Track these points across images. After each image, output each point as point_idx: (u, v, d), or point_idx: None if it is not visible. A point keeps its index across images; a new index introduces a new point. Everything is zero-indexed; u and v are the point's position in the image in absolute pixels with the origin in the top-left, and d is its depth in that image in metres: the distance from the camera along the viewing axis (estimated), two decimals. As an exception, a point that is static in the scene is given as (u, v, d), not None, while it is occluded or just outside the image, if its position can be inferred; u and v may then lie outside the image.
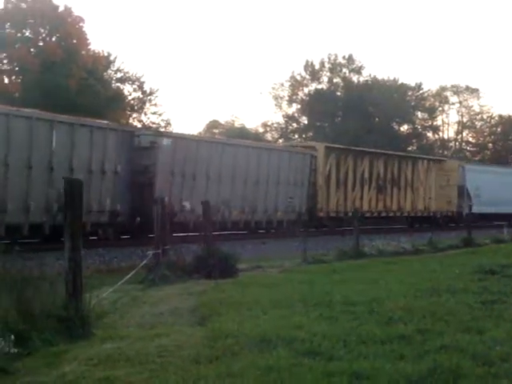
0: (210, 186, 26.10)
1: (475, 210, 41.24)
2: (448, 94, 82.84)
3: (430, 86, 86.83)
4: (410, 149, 73.04)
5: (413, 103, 79.16)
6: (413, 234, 26.89)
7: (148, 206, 22.56)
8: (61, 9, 47.52)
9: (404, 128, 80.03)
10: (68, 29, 46.60)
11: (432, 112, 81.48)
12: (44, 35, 47.21)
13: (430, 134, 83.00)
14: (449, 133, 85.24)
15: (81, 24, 48.48)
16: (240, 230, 27.57)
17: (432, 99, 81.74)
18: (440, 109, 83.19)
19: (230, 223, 27.09)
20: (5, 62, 46.31)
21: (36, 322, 6.76)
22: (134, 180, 23.63)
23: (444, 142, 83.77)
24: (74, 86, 43.54)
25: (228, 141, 30.73)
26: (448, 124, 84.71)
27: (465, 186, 42.64)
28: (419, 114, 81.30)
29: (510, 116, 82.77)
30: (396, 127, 78.25)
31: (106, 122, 24.01)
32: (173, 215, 23.08)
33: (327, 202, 33.31)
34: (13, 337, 6.26)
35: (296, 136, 73.11)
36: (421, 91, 79.67)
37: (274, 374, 5.41)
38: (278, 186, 29.82)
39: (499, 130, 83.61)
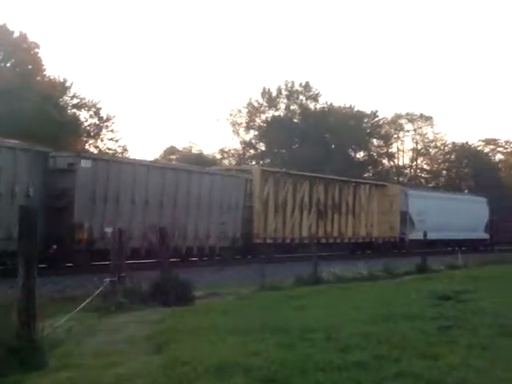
0: (136, 210, 24.76)
1: (419, 236, 40.38)
2: (403, 121, 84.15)
3: (385, 113, 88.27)
4: (366, 175, 73.80)
5: (368, 130, 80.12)
6: (369, 261, 27.07)
7: (66, 232, 22.18)
8: (16, 35, 47.17)
9: (360, 155, 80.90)
10: (23, 55, 46.22)
11: (387, 139, 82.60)
12: (-2, 61, 46.73)
13: (385, 161, 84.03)
14: (404, 160, 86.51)
15: (36, 50, 48.16)
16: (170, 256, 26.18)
17: (387, 126, 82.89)
18: (395, 136, 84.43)
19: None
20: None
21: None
22: (49, 205, 21.70)
23: (399, 169, 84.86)
24: (29, 111, 43.04)
25: (155, 163, 29.13)
26: (403, 151, 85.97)
27: (407, 212, 42.19)
28: (375, 141, 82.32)
29: (463, 144, 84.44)
30: (352, 154, 79.03)
31: (16, 141, 22.38)
32: (91, 242, 22.90)
33: (265, 228, 32.29)
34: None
35: (253, 162, 73.32)
36: (376, 118, 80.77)
37: (231, 403, 5.38)
38: (210, 211, 28.48)
39: (453, 157, 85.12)
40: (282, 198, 33.54)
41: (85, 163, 23.21)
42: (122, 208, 24.25)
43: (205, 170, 32.03)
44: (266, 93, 77.15)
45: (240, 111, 78.35)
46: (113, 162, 24.96)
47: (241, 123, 78.63)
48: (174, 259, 23.94)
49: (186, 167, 30.92)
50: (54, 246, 22.08)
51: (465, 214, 46.89)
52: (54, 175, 22.42)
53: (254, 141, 78.37)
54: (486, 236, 51.94)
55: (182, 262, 25.57)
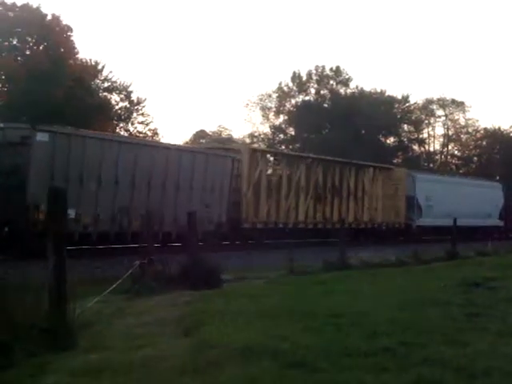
0: (103, 191, 22.37)
1: (426, 222, 39.99)
2: (434, 107, 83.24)
3: (416, 98, 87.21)
4: (396, 161, 73.33)
5: (399, 116, 79.51)
6: (397, 246, 26.94)
7: (18, 213, 20.00)
8: (49, 18, 47.49)
9: (390, 140, 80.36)
10: (56, 38, 46.54)
11: (418, 125, 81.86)
12: (31, 44, 47.12)
13: (415, 147, 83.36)
14: (435, 146, 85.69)
15: (69, 33, 48.48)
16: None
17: (418, 112, 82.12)
18: (426, 121, 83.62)
19: (130, 235, 22.76)
20: (-9, 70, 46.21)
21: (19, 332, 6.67)
22: None
23: (430, 155, 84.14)
24: (61, 95, 43.44)
25: (126, 139, 26.04)
26: (434, 137, 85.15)
27: (415, 197, 40.22)
28: (405, 127, 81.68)
29: (495, 129, 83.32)
30: (382, 139, 78.54)
31: None
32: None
33: (256, 212, 30.33)
34: (-5, 347, 6.19)
35: (283, 147, 73.21)
36: (407, 104, 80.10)
37: (258, 386, 5.42)
38: (191, 193, 25.84)
39: (484, 143, 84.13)
40: (275, 180, 32.13)
41: (41, 136, 20.81)
42: (87, 188, 21.89)
43: (185, 147, 30.06)
44: (296, 77, 76.90)
45: (270, 96, 78.31)
46: (75, 136, 22.03)
47: (271, 108, 78.59)
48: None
49: (163, 144, 28.72)
50: (6, 229, 20.40)
51: (478, 200, 44.91)
52: (6, 149, 20.36)
53: (283, 125, 78.26)
54: (501, 223, 49.71)
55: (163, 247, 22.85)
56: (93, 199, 21.97)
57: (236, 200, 28.67)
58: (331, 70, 76.88)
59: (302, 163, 34.04)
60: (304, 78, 76.98)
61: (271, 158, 33.34)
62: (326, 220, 34.48)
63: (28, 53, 46.50)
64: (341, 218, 32.75)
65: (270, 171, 32.40)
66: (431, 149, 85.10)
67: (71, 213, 20.21)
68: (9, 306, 6.92)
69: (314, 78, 77.24)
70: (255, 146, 37.75)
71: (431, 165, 79.92)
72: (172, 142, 30.49)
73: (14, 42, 46.59)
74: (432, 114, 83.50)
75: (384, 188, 38.94)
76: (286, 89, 77.51)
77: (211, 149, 30.63)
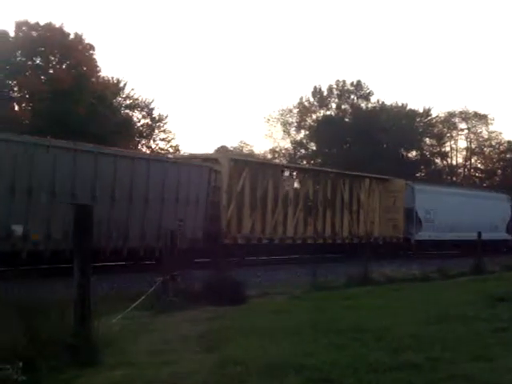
0: (56, 205, 19.86)
1: (426, 236, 37.70)
2: (456, 120, 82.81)
3: (438, 111, 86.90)
4: (418, 175, 73.03)
5: (421, 129, 79.23)
6: (423, 261, 26.66)
7: None
8: (71, 37, 48.06)
9: (412, 154, 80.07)
10: (78, 56, 47.09)
11: (440, 138, 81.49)
12: (54, 63, 47.68)
13: (438, 161, 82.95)
14: (457, 159, 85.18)
15: (91, 51, 49.02)
16: (107, 260, 20.76)
17: (440, 125, 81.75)
18: (448, 135, 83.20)
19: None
20: (15, 89, 46.76)
21: (44, 349, 6.73)
22: None
23: (453, 168, 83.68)
24: (84, 112, 43.86)
25: (84, 147, 22.37)
26: (456, 150, 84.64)
27: (414, 209, 37.70)
28: (427, 140, 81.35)
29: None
30: (404, 153, 78.28)
31: None
32: None
33: (238, 227, 28.11)
34: (21, 364, 6.23)
35: (304, 162, 73.22)
36: (429, 117, 79.80)
37: (283, 402, 5.39)
38: (162, 206, 23.56)
39: (508, 156, 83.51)
40: (261, 192, 29.43)
41: None
42: (36, 201, 19.69)
43: (155, 157, 26.93)
44: (317, 92, 77.03)
45: (291, 111, 78.45)
46: (24, 144, 19.73)
47: (292, 123, 78.68)
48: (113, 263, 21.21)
49: (127, 153, 25.26)
50: None
51: (483, 213, 42.14)
52: None
53: (304, 140, 78.30)
54: (508, 237, 46.50)
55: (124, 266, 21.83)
56: (45, 214, 19.75)
57: (215, 214, 26.37)
58: (352, 84, 76.99)
59: (293, 174, 32.64)
60: (325, 93, 77.12)
61: (255, 169, 30.36)
62: (318, 235, 32.42)
63: (51, 71, 47.04)
64: (367, 232, 32.72)
65: (252, 183, 29.46)
66: (454, 162, 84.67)
67: (17, 229, 18.91)
68: (34, 323, 6.96)
69: (335, 92, 77.34)
70: (238, 156, 35.65)
71: (454, 178, 79.47)
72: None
73: (38, 61, 47.19)
74: (454, 127, 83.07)
75: (381, 200, 36.96)
76: (306, 104, 77.67)
77: (186, 158, 28.41)
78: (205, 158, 27.90)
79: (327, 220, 33.24)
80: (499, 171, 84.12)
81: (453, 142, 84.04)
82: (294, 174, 33.35)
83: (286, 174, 33.03)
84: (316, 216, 32.71)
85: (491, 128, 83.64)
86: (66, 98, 42.95)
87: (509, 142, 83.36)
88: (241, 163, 29.52)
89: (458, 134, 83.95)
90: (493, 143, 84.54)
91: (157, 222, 22.81)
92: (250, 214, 28.76)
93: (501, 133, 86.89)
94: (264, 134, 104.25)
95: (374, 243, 33.24)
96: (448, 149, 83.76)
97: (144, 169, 23.19)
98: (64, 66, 47.54)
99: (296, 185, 32.71)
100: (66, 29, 48.44)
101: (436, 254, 34.15)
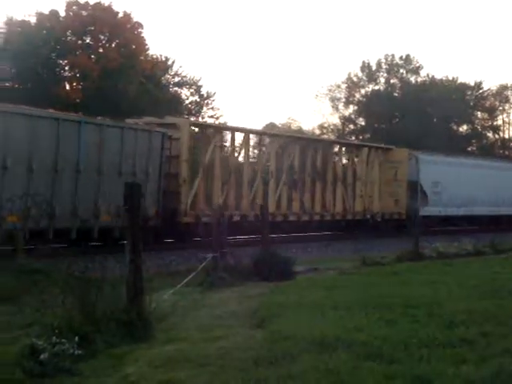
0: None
1: (433, 212, 33.79)
2: (509, 93, 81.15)
3: (489, 84, 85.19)
4: (469, 149, 71.96)
5: (472, 103, 77.86)
6: (475, 235, 26.17)
7: None
8: (120, 15, 48.31)
9: (463, 128, 78.83)
10: (127, 35, 47.33)
11: (492, 111, 79.98)
12: (104, 42, 48.04)
13: (490, 134, 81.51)
14: (510, 132, 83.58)
15: (139, 30, 49.20)
16: (29, 243, 16.85)
17: (492, 98, 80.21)
18: (500, 108, 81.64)
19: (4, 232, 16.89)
20: (66, 68, 47.29)
21: (99, 324, 6.90)
22: None
23: (505, 142, 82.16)
24: (133, 91, 44.19)
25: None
26: (509, 124, 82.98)
27: (418, 182, 33.86)
28: (479, 114, 79.97)
29: None
30: (455, 127, 77.11)
31: None
32: None
33: (206, 203, 24.53)
34: (77, 338, 6.38)
35: (353, 137, 72.69)
36: (480, 90, 78.33)
37: (334, 377, 5.39)
38: (100, 179, 19.96)
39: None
40: (234, 163, 26.12)
41: None
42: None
43: (89, 119, 21.12)
44: (365, 67, 76.18)
45: (339, 86, 77.75)
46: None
47: (340, 98, 78.07)
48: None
49: (52, 115, 19.96)
50: None
51: (499, 185, 38.21)
52: None
53: (353, 116, 77.68)
54: None
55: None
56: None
57: (173, 189, 22.99)
58: (401, 58, 75.85)
59: (274, 143, 28.64)
60: (373, 68, 76.20)
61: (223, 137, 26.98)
62: (305, 211, 28.77)
63: (101, 50, 47.41)
64: (365, 207, 30.20)
65: (223, 152, 26.39)
66: (506, 136, 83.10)
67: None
68: (90, 300, 7.09)
69: (384, 67, 76.34)
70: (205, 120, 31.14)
71: (506, 152, 78.03)
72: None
73: (87, 40, 47.58)
74: (507, 100, 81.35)
75: (381, 172, 33.08)
76: (355, 79, 76.87)
77: (134, 123, 23.11)
78: (160, 124, 23.59)
79: (316, 194, 29.50)
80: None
81: (505, 115, 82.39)
82: (276, 141, 28.81)
83: (270, 142, 28.98)
84: (302, 190, 28.95)
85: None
86: (116, 77, 43.29)
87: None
88: (207, 130, 26.03)
89: (511, 107, 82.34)
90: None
91: (91, 197, 19.72)
92: (221, 189, 25.04)
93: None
94: (313, 110, 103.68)
95: (372, 220, 31.46)
96: (500, 122, 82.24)
97: (74, 133, 19.47)
98: (113, 45, 47.85)
99: (279, 155, 28.34)
100: (115, 7, 48.75)
101: (443, 231, 31.78)
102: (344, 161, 32.51)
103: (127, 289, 7.27)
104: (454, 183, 35.03)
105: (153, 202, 21.54)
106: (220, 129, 26.96)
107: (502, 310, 8.25)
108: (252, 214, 24.72)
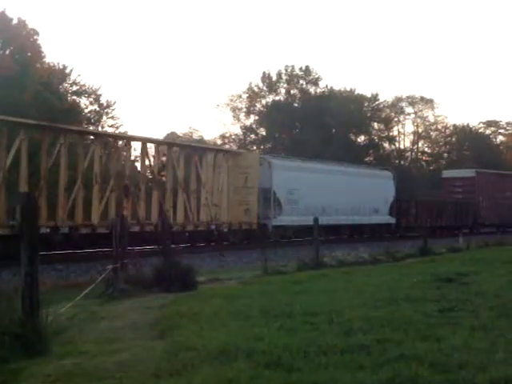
0: None
1: (287, 221, 32.31)
2: (403, 104, 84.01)
3: (385, 96, 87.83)
4: (367, 159, 73.79)
5: (369, 114, 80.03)
6: (370, 244, 27.00)
7: None
8: (14, 22, 47.03)
9: (361, 139, 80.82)
10: (22, 42, 46.11)
11: (388, 122, 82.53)
12: (-2, 48, 46.67)
13: (386, 145, 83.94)
14: (405, 143, 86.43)
15: (35, 37, 48.03)
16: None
17: (388, 110, 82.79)
18: (396, 119, 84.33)
19: None
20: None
21: (-8, 339, 6.65)
22: None
23: (400, 152, 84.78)
24: (29, 99, 43.01)
25: None
26: (404, 134, 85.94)
27: (271, 189, 31.68)
28: (376, 125, 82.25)
29: (464, 126, 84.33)
30: (353, 138, 78.95)
31: None
32: None
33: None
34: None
35: (254, 147, 73.26)
36: (377, 102, 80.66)
37: (234, 387, 5.40)
38: None
39: (454, 139, 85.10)
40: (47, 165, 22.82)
41: None
42: None
43: None
44: (266, 77, 77.05)
45: (240, 96, 78.36)
46: None
47: (241, 108, 78.62)
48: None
49: None
50: None
51: (360, 193, 37.22)
52: None
53: (254, 126, 78.33)
54: (392, 220, 41.51)
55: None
56: None
57: None
58: (301, 69, 77.20)
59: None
60: (274, 78, 77.21)
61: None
62: (139, 221, 25.36)
63: (-6, 57, 46.02)
64: (211, 218, 28.22)
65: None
66: (401, 146, 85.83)
67: None
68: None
69: (284, 77, 77.48)
70: None
71: (402, 162, 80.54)
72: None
73: (-20, 47, 46.12)
74: (401, 111, 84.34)
75: (230, 178, 30.39)
76: (256, 89, 77.66)
77: None
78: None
79: (154, 204, 26.39)
80: (446, 155, 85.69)
81: (400, 126, 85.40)
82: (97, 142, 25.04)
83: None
84: (137, 198, 25.85)
85: (437, 112, 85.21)
86: (11, 85, 42.06)
87: (454, 125, 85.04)
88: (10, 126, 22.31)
89: (405, 119, 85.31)
90: (439, 127, 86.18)
91: None
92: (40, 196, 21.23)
93: (446, 117, 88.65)
94: (214, 120, 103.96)
95: (216, 231, 28.97)
96: (396, 133, 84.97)
97: None
98: (7, 52, 46.53)
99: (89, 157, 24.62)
100: (9, 14, 47.44)
101: (296, 242, 31.02)
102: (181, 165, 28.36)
103: (22, 302, 7.05)
104: (312, 191, 33.34)
105: None
106: (23, 125, 22.56)
107: (397, 317, 8.46)
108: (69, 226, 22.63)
